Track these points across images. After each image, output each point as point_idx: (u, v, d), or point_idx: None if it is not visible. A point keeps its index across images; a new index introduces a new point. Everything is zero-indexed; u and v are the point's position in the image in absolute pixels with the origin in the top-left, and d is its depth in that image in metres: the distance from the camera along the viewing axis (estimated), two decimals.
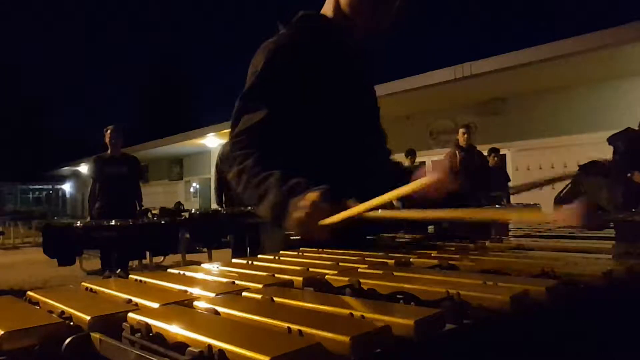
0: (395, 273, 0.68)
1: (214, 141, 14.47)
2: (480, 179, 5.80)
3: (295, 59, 1.29)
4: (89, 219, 5.38)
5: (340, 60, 1.37)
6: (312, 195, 1.03)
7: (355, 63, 1.42)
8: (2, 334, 0.45)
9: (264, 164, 1.18)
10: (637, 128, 4.47)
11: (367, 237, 1.29)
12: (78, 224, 4.61)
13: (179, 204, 14.14)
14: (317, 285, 0.66)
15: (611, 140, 4.64)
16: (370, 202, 0.98)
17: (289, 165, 1.17)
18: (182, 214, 8.77)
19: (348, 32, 1.36)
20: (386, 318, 0.44)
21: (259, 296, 0.57)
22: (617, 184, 4.41)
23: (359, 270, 0.73)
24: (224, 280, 0.70)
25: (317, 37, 1.34)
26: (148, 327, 0.45)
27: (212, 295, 0.59)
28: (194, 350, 0.39)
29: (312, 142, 1.29)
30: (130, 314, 0.48)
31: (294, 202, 1.05)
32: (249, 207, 4.82)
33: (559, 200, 6.90)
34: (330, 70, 1.34)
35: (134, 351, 0.42)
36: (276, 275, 0.71)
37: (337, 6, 1.35)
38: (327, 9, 1.38)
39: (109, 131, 5.25)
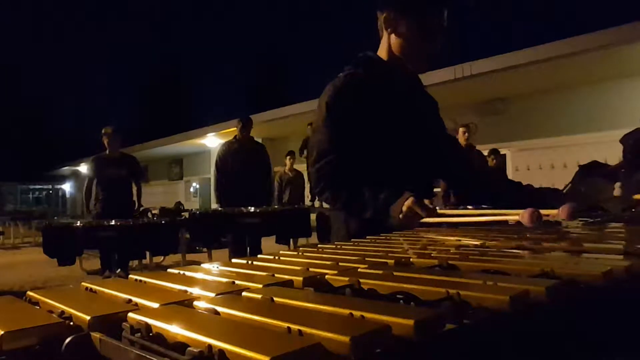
0: (395, 273, 0.68)
1: (213, 141, 14.46)
2: (480, 179, 5.80)
3: (356, 94, 1.53)
4: (87, 215, 5.38)
5: (397, 93, 1.59)
6: (408, 202, 1.34)
7: (410, 93, 1.65)
8: (2, 334, 0.45)
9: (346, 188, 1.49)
10: None
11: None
12: (78, 224, 4.61)
13: (179, 204, 14.14)
14: (317, 285, 0.66)
15: (623, 140, 4.65)
16: (462, 211, 1.34)
17: (367, 183, 1.46)
18: (182, 214, 8.77)
19: (400, 70, 1.59)
20: (386, 318, 0.44)
21: (259, 296, 0.57)
22: (628, 183, 4.40)
23: (359, 270, 0.73)
24: (224, 280, 0.70)
25: (378, 75, 1.57)
26: (148, 327, 0.45)
27: (212, 295, 0.59)
28: (194, 350, 0.39)
29: (383, 162, 1.53)
30: (130, 314, 0.48)
31: (394, 207, 1.37)
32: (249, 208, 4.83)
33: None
34: (391, 102, 1.57)
35: (134, 351, 0.42)
36: (276, 275, 0.71)
37: (390, 51, 1.58)
38: (382, 52, 1.61)
39: (107, 131, 5.25)
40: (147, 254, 5.32)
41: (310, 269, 0.74)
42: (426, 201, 1.34)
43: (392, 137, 1.54)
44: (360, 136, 1.50)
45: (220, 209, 5.27)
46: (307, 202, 8.02)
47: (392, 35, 1.56)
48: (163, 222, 5.31)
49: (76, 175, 26.02)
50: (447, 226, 1.36)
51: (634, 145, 4.50)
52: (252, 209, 4.80)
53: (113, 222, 4.39)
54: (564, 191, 6.55)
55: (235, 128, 5.54)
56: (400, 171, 1.53)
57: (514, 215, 1.16)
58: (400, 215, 1.35)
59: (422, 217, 1.32)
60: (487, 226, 1.28)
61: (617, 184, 4.49)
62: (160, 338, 0.44)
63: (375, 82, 1.56)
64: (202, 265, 0.87)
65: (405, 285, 0.58)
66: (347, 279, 0.65)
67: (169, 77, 46.95)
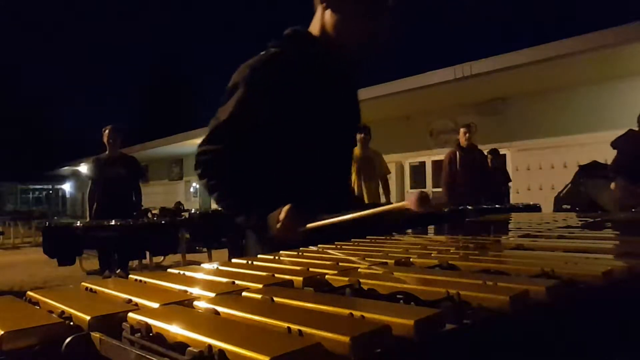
0: (395, 273, 0.68)
1: None
2: (480, 178, 5.80)
3: (274, 77, 1.32)
4: (88, 219, 5.38)
5: (323, 78, 1.39)
6: (285, 208, 1.20)
7: (340, 81, 1.44)
8: (2, 334, 0.45)
9: (232, 184, 1.33)
10: (636, 129, 4.47)
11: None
12: (78, 224, 4.61)
13: (179, 204, 14.13)
14: (317, 285, 0.66)
15: (614, 143, 4.65)
16: (345, 216, 1.13)
17: (262, 181, 1.32)
18: (182, 214, 8.77)
19: (333, 51, 1.37)
20: (386, 318, 0.44)
21: (259, 296, 0.57)
22: (621, 184, 4.41)
23: (359, 270, 0.73)
24: (224, 280, 0.70)
25: (302, 56, 1.37)
26: (148, 327, 0.45)
27: (212, 295, 0.59)
28: (194, 350, 0.39)
29: (287, 157, 1.35)
30: (130, 314, 0.48)
31: (271, 216, 1.23)
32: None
33: (559, 200, 6.91)
34: (312, 89, 1.36)
35: (134, 351, 0.42)
36: (276, 275, 0.71)
37: (322, 27, 1.36)
38: (314, 28, 1.39)
39: (107, 131, 5.26)
40: (147, 254, 5.32)
41: (310, 269, 0.74)
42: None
43: (304, 130, 1.35)
44: (267, 127, 1.32)
45: (219, 209, 5.25)
46: None
47: (328, 11, 1.34)
48: (163, 222, 5.31)
49: (76, 175, 26.01)
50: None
51: (624, 154, 4.49)
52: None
53: (113, 222, 4.39)
54: (564, 191, 6.55)
55: None
56: (308, 166, 1.36)
57: (400, 205, 1.08)
58: (278, 225, 1.20)
59: (299, 227, 1.18)
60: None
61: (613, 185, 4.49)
62: (160, 338, 0.44)
63: (300, 64, 1.35)
64: (202, 265, 0.87)
65: (405, 285, 0.58)
66: (347, 279, 0.65)
67: (169, 77, 46.95)
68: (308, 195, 1.26)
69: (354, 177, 5.19)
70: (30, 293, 0.64)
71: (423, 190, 1.04)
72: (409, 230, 1.53)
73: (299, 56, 1.36)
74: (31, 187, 32.67)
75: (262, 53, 1.37)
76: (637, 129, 4.41)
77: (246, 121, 1.32)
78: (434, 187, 10.59)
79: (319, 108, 1.36)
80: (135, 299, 0.57)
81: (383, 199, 5.80)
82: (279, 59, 1.35)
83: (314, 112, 1.35)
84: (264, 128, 1.32)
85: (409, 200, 1.00)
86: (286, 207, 1.20)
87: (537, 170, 9.29)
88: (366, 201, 5.20)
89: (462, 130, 5.97)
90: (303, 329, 0.42)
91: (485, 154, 6.64)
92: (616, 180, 4.42)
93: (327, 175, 1.40)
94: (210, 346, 0.39)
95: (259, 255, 0.95)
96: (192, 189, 19.02)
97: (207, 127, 1.36)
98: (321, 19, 1.36)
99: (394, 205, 1.19)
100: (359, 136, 5.19)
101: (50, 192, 32.70)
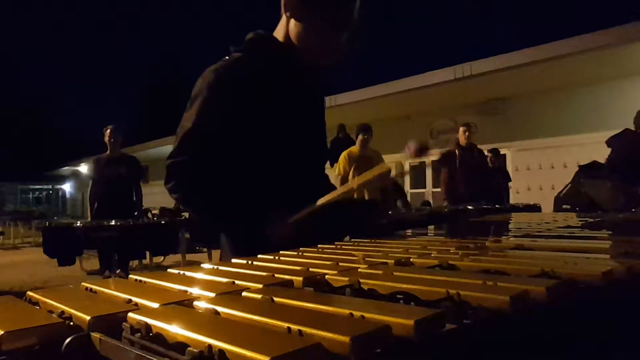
0: (395, 273, 0.68)
1: None
2: (480, 178, 5.80)
3: (237, 84, 1.29)
4: (89, 219, 5.38)
5: (287, 82, 1.36)
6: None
7: (304, 85, 1.42)
8: (2, 334, 0.45)
9: (202, 193, 1.30)
10: (633, 129, 4.48)
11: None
12: (78, 224, 4.61)
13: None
14: (317, 285, 0.66)
15: (609, 142, 4.66)
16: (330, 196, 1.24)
17: (235, 188, 1.30)
18: (182, 214, 8.77)
19: (297, 58, 1.34)
20: (386, 318, 0.44)
21: (259, 296, 0.57)
22: (614, 183, 4.42)
23: (359, 270, 0.73)
24: (224, 280, 0.70)
25: (266, 61, 1.34)
26: (148, 327, 0.45)
27: (212, 295, 0.59)
28: (194, 350, 0.39)
29: (255, 161, 1.32)
30: (130, 314, 0.48)
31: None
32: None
33: (559, 200, 6.91)
34: (277, 93, 1.34)
35: (134, 351, 0.42)
36: (276, 275, 0.71)
37: (286, 34, 1.34)
38: (279, 33, 1.36)
39: (108, 130, 5.26)
40: (147, 254, 5.32)
41: (310, 269, 0.74)
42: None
43: (271, 133, 1.32)
44: (233, 132, 1.29)
45: None
46: None
47: (292, 20, 1.31)
48: (163, 222, 5.31)
49: (76, 175, 26.01)
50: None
51: (619, 153, 4.50)
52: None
53: (113, 222, 4.39)
54: (564, 191, 6.56)
55: None
56: (276, 174, 1.34)
57: (380, 170, 1.13)
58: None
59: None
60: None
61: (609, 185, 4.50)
62: (160, 338, 0.44)
63: (264, 68, 1.32)
64: (202, 265, 0.87)
65: (405, 285, 0.58)
66: (347, 279, 0.65)
67: (169, 77, 46.91)
68: (281, 199, 1.28)
69: (353, 176, 5.19)
70: (30, 293, 0.64)
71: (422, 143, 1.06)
72: (409, 231, 1.53)
73: (263, 60, 1.33)
74: (31, 187, 32.66)
75: (225, 57, 1.35)
76: (633, 129, 4.42)
77: (212, 127, 1.28)
78: (434, 187, 10.60)
79: (285, 111, 1.34)
80: (135, 299, 0.57)
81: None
82: (243, 63, 1.33)
83: (280, 115, 1.33)
84: (231, 133, 1.29)
85: (408, 148, 1.04)
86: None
87: (537, 170, 9.30)
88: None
89: (461, 129, 5.96)
90: (303, 329, 0.42)
91: (485, 153, 6.65)
92: (610, 179, 4.43)
93: (298, 177, 1.38)
94: (210, 346, 0.39)
95: (259, 256, 0.95)
96: None
97: (175, 137, 1.32)
98: (286, 26, 1.34)
99: (374, 171, 1.20)
100: (359, 136, 5.20)
101: (50, 192, 32.69)
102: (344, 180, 4.92)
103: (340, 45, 1.30)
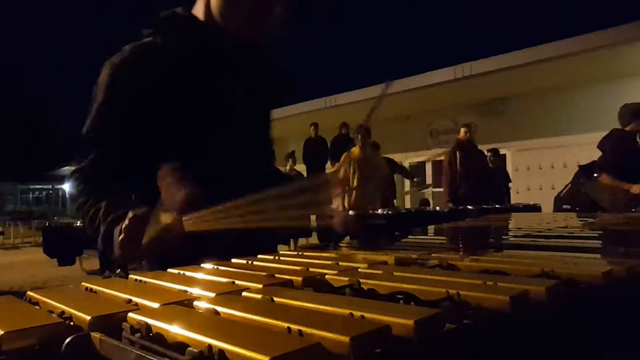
0: (395, 273, 0.68)
1: None
2: (480, 178, 5.80)
3: (139, 80, 1.13)
4: None
5: (206, 66, 1.19)
6: (132, 212, 0.93)
7: (227, 68, 1.23)
8: (2, 334, 0.45)
9: (97, 195, 1.10)
10: (620, 128, 4.49)
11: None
12: (78, 224, 4.61)
13: None
14: (317, 285, 0.66)
15: (599, 145, 4.67)
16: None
17: (142, 184, 1.07)
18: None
19: (220, 37, 1.18)
20: (386, 318, 0.44)
21: (259, 296, 0.57)
22: (606, 181, 4.43)
23: (359, 270, 0.73)
24: (224, 280, 0.70)
25: (182, 41, 1.18)
26: (148, 327, 0.45)
27: (212, 295, 0.59)
28: (194, 350, 0.39)
29: (167, 154, 1.08)
30: (130, 314, 0.48)
31: (118, 229, 0.97)
32: None
33: (559, 200, 6.91)
34: (191, 80, 1.16)
35: (134, 351, 0.42)
36: (276, 275, 0.71)
37: (207, 9, 1.17)
38: (198, 10, 1.20)
39: None
40: None
41: (310, 269, 0.74)
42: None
43: (184, 129, 1.13)
44: (138, 130, 1.11)
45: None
46: None
47: None
48: None
49: None
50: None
51: (608, 153, 4.51)
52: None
53: None
54: (564, 191, 6.56)
55: None
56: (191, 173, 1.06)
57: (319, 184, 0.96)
58: (120, 237, 0.95)
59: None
60: None
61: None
62: (160, 338, 0.44)
63: (177, 52, 1.16)
64: (202, 265, 0.87)
65: (405, 285, 0.58)
66: (347, 279, 0.65)
67: None
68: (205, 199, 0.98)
69: (352, 176, 5.19)
70: (30, 293, 0.64)
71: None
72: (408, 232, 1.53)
73: (177, 43, 1.17)
74: (31, 187, 32.67)
75: (131, 43, 1.19)
76: (620, 127, 4.43)
77: (113, 128, 1.13)
78: (434, 187, 10.60)
79: (202, 101, 1.17)
80: (135, 299, 0.57)
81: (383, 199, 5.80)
82: (152, 50, 1.16)
83: (195, 106, 1.15)
84: (136, 131, 1.12)
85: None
86: (130, 215, 0.94)
87: (537, 170, 9.30)
88: (362, 201, 5.19)
89: (462, 129, 5.97)
90: (303, 329, 0.42)
91: (485, 153, 6.65)
92: (600, 178, 4.44)
93: (212, 168, 1.14)
94: (210, 346, 0.39)
95: (259, 256, 0.95)
96: None
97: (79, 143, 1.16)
98: (206, 1, 1.17)
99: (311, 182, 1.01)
100: (359, 136, 5.20)
101: (50, 192, 32.70)
102: (345, 181, 4.93)
103: (266, 20, 1.14)
